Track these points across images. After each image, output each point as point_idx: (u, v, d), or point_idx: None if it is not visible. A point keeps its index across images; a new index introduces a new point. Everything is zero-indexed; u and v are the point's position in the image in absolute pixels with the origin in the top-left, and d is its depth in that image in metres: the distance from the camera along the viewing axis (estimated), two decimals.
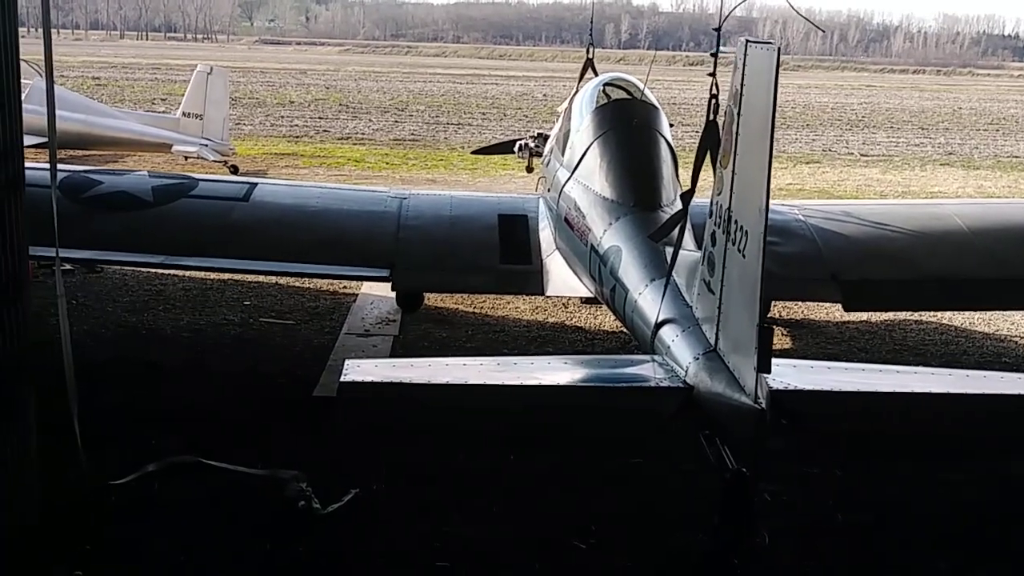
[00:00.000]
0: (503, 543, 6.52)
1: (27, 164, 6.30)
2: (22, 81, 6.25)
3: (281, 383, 9.25)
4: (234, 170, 21.48)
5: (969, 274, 8.82)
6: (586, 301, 10.66)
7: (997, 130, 42.43)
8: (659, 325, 6.19)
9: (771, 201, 5.04)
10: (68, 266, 11.31)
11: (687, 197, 6.64)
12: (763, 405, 4.98)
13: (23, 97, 6.35)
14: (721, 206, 5.50)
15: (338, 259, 8.86)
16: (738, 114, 5.31)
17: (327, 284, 12.23)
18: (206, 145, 21.64)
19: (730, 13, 6.46)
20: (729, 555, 5.49)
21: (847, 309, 9.02)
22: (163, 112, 27.80)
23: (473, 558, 6.35)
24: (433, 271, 8.94)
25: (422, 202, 9.65)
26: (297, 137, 30.53)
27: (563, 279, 8.61)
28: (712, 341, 5.59)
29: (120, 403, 8.39)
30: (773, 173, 5.06)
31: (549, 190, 9.44)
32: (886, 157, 31.15)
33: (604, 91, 9.38)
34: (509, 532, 6.65)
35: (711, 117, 6.15)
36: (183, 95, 23.13)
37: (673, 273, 6.39)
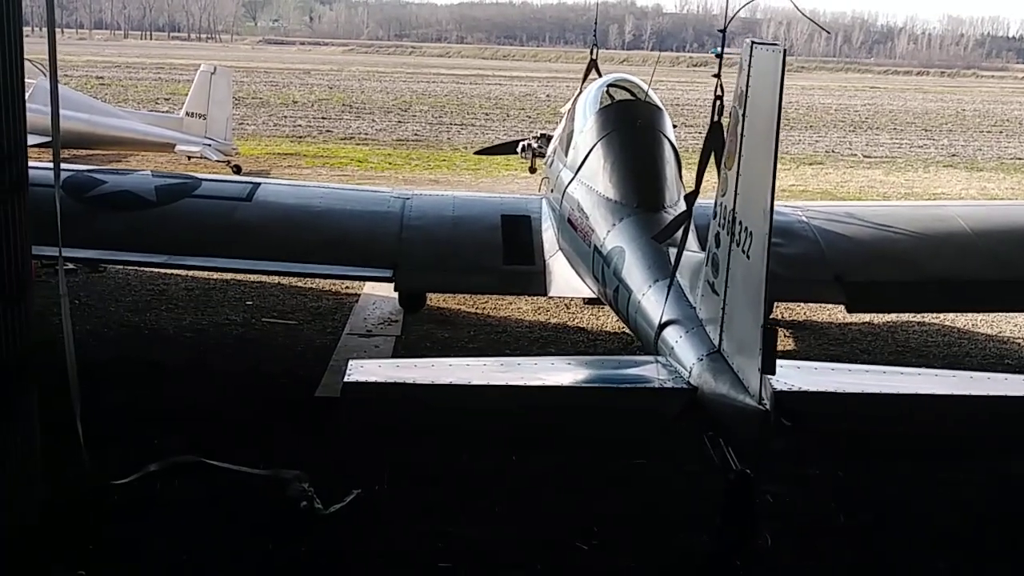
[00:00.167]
0: (506, 544, 6.52)
1: (31, 163, 6.30)
2: (27, 81, 6.25)
3: (283, 383, 9.25)
4: (237, 170, 21.49)
5: (972, 276, 8.81)
6: (589, 302, 10.67)
7: (1001, 132, 42.41)
8: (663, 326, 6.18)
9: (775, 202, 5.03)
10: (71, 265, 11.32)
11: (691, 198, 6.63)
12: (767, 406, 4.97)
13: (27, 96, 6.36)
14: (725, 207, 5.49)
15: (341, 259, 8.86)
16: (743, 115, 5.30)
17: (330, 284, 12.23)
18: (209, 145, 21.66)
19: (735, 15, 6.44)
20: (732, 556, 5.48)
21: (850, 310, 9.01)
22: (167, 112, 27.82)
23: (475, 559, 6.35)
24: (436, 271, 8.93)
25: (425, 202, 9.65)
26: (300, 137, 30.55)
27: (566, 280, 8.60)
28: (716, 342, 5.58)
29: (122, 403, 8.39)
30: (776, 174, 5.04)
31: (552, 191, 9.43)
32: (889, 159, 31.14)
33: (608, 92, 9.36)
34: (512, 533, 6.65)
35: (716, 118, 6.14)
36: (187, 95, 23.14)
37: (677, 274, 6.37)
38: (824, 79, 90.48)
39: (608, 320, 11.27)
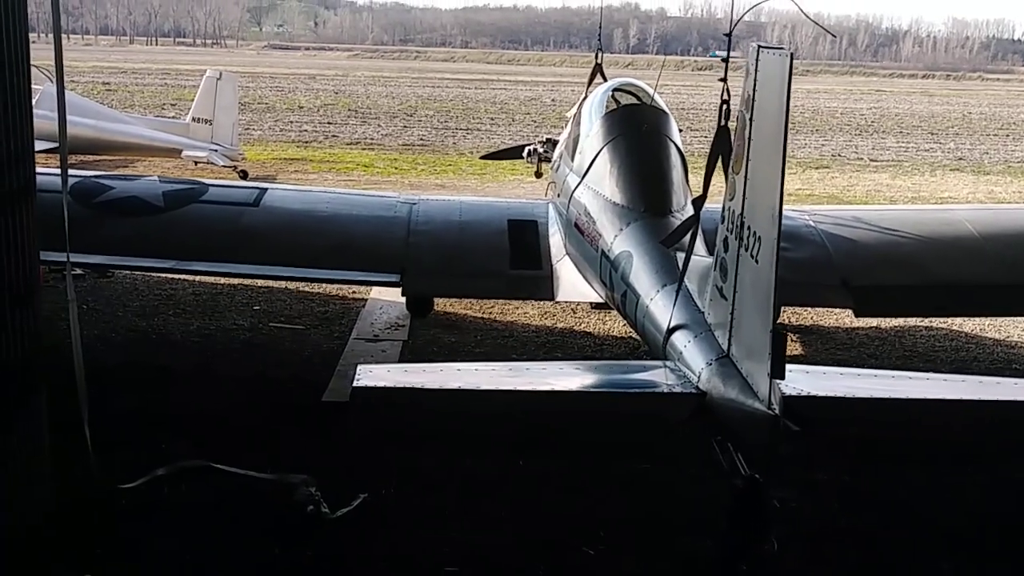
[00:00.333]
0: (511, 548, 6.51)
1: (38, 169, 6.32)
2: (33, 87, 6.26)
3: (290, 388, 9.25)
4: (243, 175, 21.51)
5: (980, 280, 8.80)
6: (596, 306, 10.68)
7: (1007, 135, 42.35)
8: (671, 331, 6.18)
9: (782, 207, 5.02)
10: (79, 271, 11.33)
11: (699, 202, 6.63)
12: (777, 411, 4.96)
13: (34, 102, 6.37)
14: (733, 211, 5.49)
15: (348, 264, 8.87)
16: (750, 119, 5.30)
17: (336, 289, 12.26)
18: (216, 150, 21.69)
19: (740, 19, 6.44)
20: (738, 561, 5.47)
21: (858, 315, 8.99)
22: (173, 117, 27.86)
23: (481, 563, 6.35)
24: (443, 276, 8.95)
25: (432, 207, 9.66)
26: (306, 142, 30.60)
27: (573, 284, 8.61)
28: (725, 347, 5.58)
29: (130, 407, 8.40)
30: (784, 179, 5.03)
31: (559, 195, 9.43)
32: (896, 162, 31.10)
33: (613, 96, 9.38)
34: (517, 537, 6.65)
35: (723, 122, 6.14)
36: (192, 100, 23.19)
37: (685, 279, 6.37)
38: (829, 82, 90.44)
39: (615, 324, 11.27)
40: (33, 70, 6.28)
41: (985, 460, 8.01)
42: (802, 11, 6.45)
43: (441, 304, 11.35)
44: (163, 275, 12.09)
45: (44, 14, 67.77)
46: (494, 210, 9.91)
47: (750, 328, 5.26)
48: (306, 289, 12.40)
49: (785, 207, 5.43)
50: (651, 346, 6.60)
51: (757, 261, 5.16)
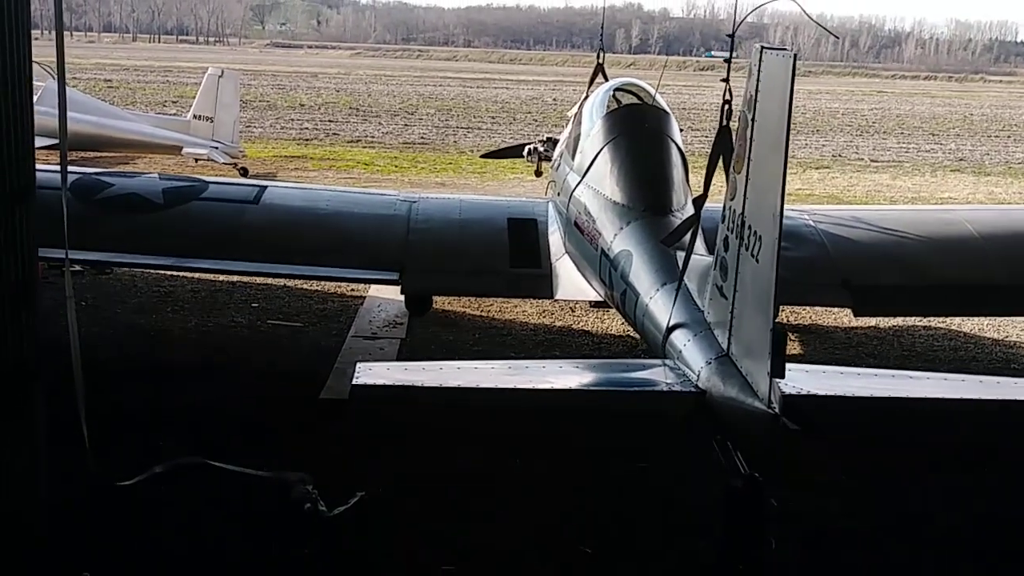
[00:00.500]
0: (508, 547, 6.50)
1: (39, 166, 6.30)
2: (35, 83, 6.24)
3: (288, 385, 9.23)
4: (244, 172, 21.52)
5: (979, 280, 8.80)
6: (595, 305, 10.67)
7: (1009, 136, 42.37)
8: (671, 329, 6.17)
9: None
10: (78, 267, 11.32)
11: (699, 202, 6.62)
12: (776, 410, 4.95)
13: (37, 99, 6.36)
14: (734, 211, 5.48)
15: (348, 262, 8.87)
16: (752, 120, 5.29)
17: (335, 287, 12.25)
18: (216, 147, 21.70)
19: (743, 20, 6.44)
20: (736, 561, 5.46)
21: (857, 314, 8.99)
22: (174, 115, 27.88)
23: (478, 562, 6.34)
24: (442, 274, 8.94)
25: (431, 205, 9.66)
26: (307, 140, 30.61)
27: (572, 282, 8.60)
28: (724, 346, 5.57)
29: (128, 404, 8.40)
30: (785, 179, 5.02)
31: (559, 194, 9.43)
32: (896, 163, 31.10)
33: (615, 96, 9.37)
34: (515, 536, 6.63)
35: (724, 122, 6.13)
36: (194, 98, 23.19)
37: (684, 278, 6.36)
38: (831, 83, 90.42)
39: (613, 323, 11.26)
40: (35, 67, 6.27)
41: (987, 461, 7.99)
42: (805, 12, 6.45)
43: (440, 302, 11.34)
44: (162, 272, 12.07)
45: (47, 11, 67.82)
46: (494, 208, 9.91)
47: (750, 327, 5.26)
48: (305, 287, 12.40)
49: (785, 207, 5.42)
50: (650, 345, 6.60)
51: (758, 260, 5.15)
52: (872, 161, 31.39)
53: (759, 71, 5.21)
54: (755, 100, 5.27)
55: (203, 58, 75.43)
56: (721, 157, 6.11)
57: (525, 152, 13.10)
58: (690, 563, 6.37)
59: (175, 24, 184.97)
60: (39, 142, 6.43)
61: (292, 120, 36.07)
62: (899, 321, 11.88)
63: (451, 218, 9.47)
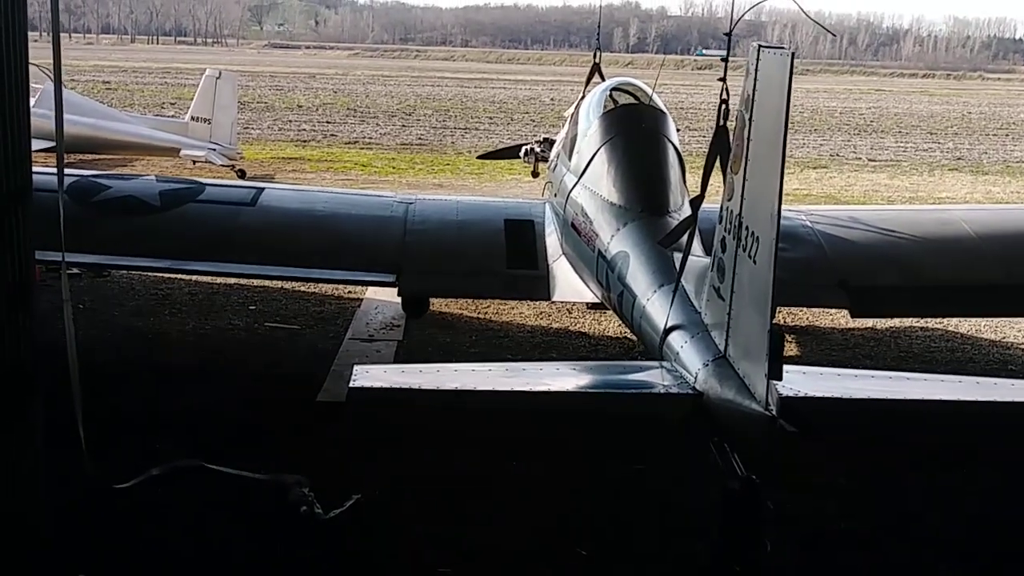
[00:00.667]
0: (504, 549, 6.50)
1: (36, 169, 6.30)
2: (33, 85, 6.24)
3: (285, 388, 9.23)
4: (241, 174, 21.52)
5: (976, 280, 8.79)
6: (592, 306, 10.66)
7: (1007, 135, 42.35)
8: (668, 331, 6.16)
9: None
10: (76, 270, 11.32)
11: (697, 203, 6.61)
12: (773, 412, 4.94)
13: (34, 101, 6.36)
14: (732, 212, 5.47)
15: (345, 264, 8.86)
16: (750, 119, 5.28)
17: (333, 289, 12.25)
18: (214, 149, 21.69)
19: (740, 18, 6.43)
20: (732, 562, 5.45)
21: (854, 315, 8.98)
22: (172, 116, 27.86)
23: (475, 564, 6.33)
24: (439, 276, 8.93)
25: (428, 207, 9.65)
26: (304, 141, 30.61)
27: (569, 284, 8.59)
28: (721, 347, 5.56)
29: (125, 407, 8.39)
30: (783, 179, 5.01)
31: (556, 195, 9.42)
32: (894, 162, 31.10)
33: (611, 96, 9.36)
34: (511, 538, 6.63)
35: (721, 122, 6.12)
36: (192, 99, 23.18)
37: (682, 279, 6.35)
38: (829, 82, 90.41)
39: (610, 324, 11.26)
40: (33, 69, 6.26)
41: (984, 462, 7.99)
42: (802, 10, 6.44)
43: (437, 304, 11.33)
44: (159, 275, 12.08)
45: (46, 13, 67.78)
46: (491, 210, 9.90)
47: (747, 328, 5.25)
48: (302, 289, 12.39)
49: (782, 207, 5.42)
50: (647, 346, 6.59)
51: (755, 262, 5.14)
52: (870, 160, 31.39)
53: (756, 70, 5.20)
54: (752, 99, 5.26)
55: (201, 59, 75.45)
56: (718, 157, 6.10)
57: (522, 153, 13.09)
58: (687, 565, 6.36)
59: (173, 25, 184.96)
60: (37, 144, 6.43)
61: (290, 121, 36.07)
62: (896, 322, 11.87)
63: (448, 220, 9.47)
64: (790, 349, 10.85)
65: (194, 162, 21.69)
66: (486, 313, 11.84)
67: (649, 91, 9.23)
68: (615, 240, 7.50)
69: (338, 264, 8.86)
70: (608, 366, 7.94)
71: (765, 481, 5.37)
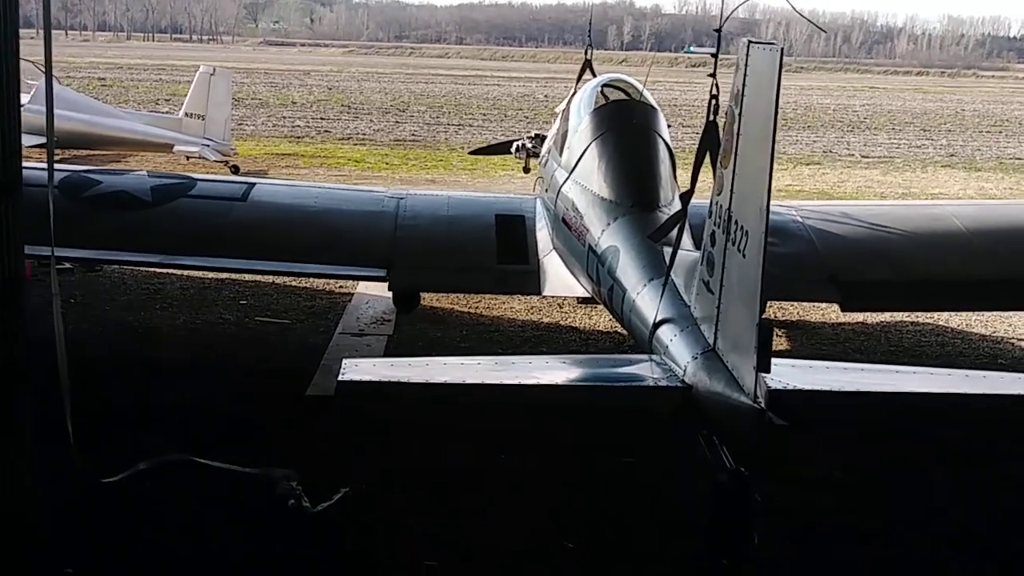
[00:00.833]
0: (492, 543, 6.50)
1: (26, 164, 6.29)
2: (29, 81, 6.23)
3: (275, 382, 9.23)
4: (235, 170, 21.52)
5: (967, 275, 8.80)
6: (583, 301, 10.65)
7: (1000, 132, 42.42)
8: (657, 325, 6.18)
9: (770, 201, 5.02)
10: (67, 265, 11.32)
11: (686, 197, 6.63)
12: (762, 405, 4.96)
13: (29, 97, 6.37)
14: (721, 206, 5.48)
15: (336, 259, 8.86)
16: (739, 114, 5.29)
17: (323, 284, 12.23)
18: (208, 145, 21.70)
19: (731, 14, 6.44)
20: (721, 556, 5.46)
21: (844, 310, 9.01)
22: (167, 113, 27.85)
23: (461, 557, 6.34)
24: (430, 271, 8.93)
25: (419, 202, 9.65)
26: (298, 137, 30.60)
27: (560, 279, 8.60)
28: (711, 341, 5.57)
29: (115, 401, 8.39)
30: (773, 175, 5.03)
31: (547, 190, 9.43)
32: (887, 159, 31.14)
33: (602, 92, 9.37)
34: (498, 532, 6.64)
35: (711, 117, 6.14)
36: (187, 96, 23.17)
37: (671, 273, 6.36)
38: (823, 79, 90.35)
39: (601, 319, 11.27)
40: (29, 65, 6.25)
41: (976, 457, 8.01)
42: (794, 8, 6.46)
43: (428, 299, 11.32)
44: (151, 270, 12.08)
45: (41, 10, 67.63)
46: (482, 205, 9.91)
47: (736, 322, 5.26)
48: (293, 284, 12.40)
49: (773, 202, 5.43)
50: (637, 340, 6.60)
51: (744, 255, 5.16)
52: (863, 157, 31.43)
53: (746, 66, 5.21)
54: (742, 95, 5.27)
55: (196, 56, 75.27)
56: (708, 152, 6.12)
57: (513, 148, 13.10)
58: (678, 558, 6.36)
59: (169, 23, 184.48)
60: (31, 140, 6.44)
61: (284, 118, 36.03)
62: (887, 317, 11.89)
63: (439, 215, 9.47)
64: (780, 343, 10.87)
65: (188, 158, 21.69)
66: (477, 308, 11.85)
67: (640, 87, 9.25)
68: (605, 235, 7.50)
69: (329, 259, 8.85)
70: (598, 359, 7.98)
71: (754, 474, 5.37)
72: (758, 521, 5.43)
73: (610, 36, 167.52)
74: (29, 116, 6.22)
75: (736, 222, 5.29)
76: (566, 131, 9.24)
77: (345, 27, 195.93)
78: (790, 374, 5.45)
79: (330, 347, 10.24)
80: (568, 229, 8.32)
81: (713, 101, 6.17)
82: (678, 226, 6.65)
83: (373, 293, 11.69)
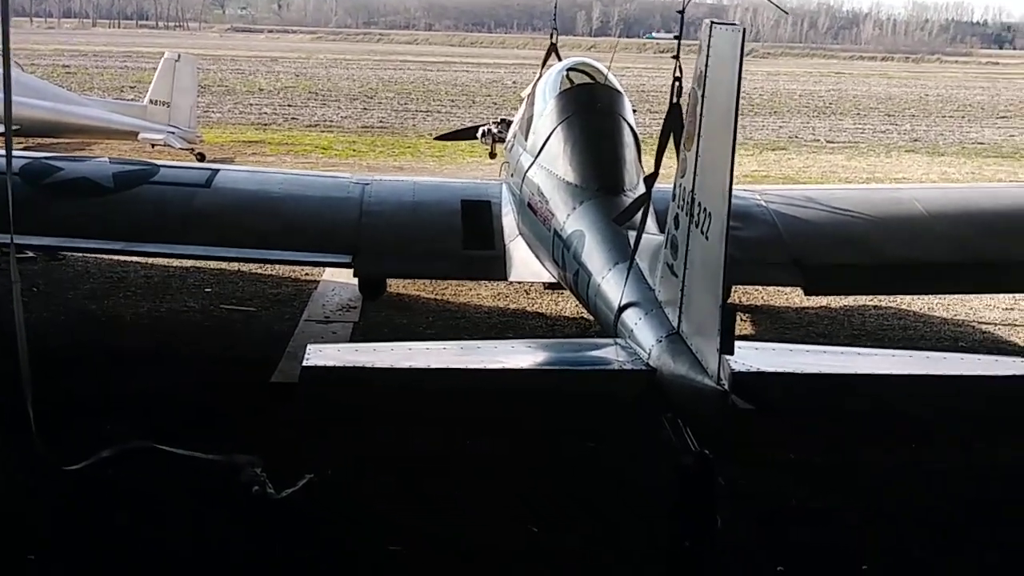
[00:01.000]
0: (455, 527, 6.51)
1: None
2: None
3: (240, 370, 9.17)
4: (201, 158, 21.34)
5: (929, 258, 8.86)
6: (549, 287, 10.65)
7: (963, 117, 42.77)
8: (622, 308, 6.17)
9: (734, 186, 5.02)
10: (30, 253, 11.21)
11: (650, 180, 6.63)
12: (726, 387, 4.97)
13: None
14: (685, 188, 5.48)
15: (300, 245, 8.81)
16: (702, 96, 5.29)
17: (289, 271, 12.16)
18: (173, 132, 21.50)
19: None
20: (684, 538, 5.48)
21: (808, 293, 9.05)
22: (132, 100, 27.60)
23: (424, 542, 6.33)
24: (396, 257, 8.88)
25: (384, 188, 9.60)
26: (265, 125, 30.42)
27: (526, 264, 8.58)
28: (675, 324, 5.57)
29: (78, 390, 8.32)
30: (739, 160, 5.03)
31: (512, 175, 9.40)
32: (852, 144, 31.32)
33: (567, 76, 9.33)
34: (462, 516, 6.64)
35: (674, 100, 6.14)
36: (151, 83, 22.97)
37: (636, 257, 6.36)
38: (790, 65, 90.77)
39: (567, 305, 11.28)
40: None
41: (936, 439, 8.07)
42: None
43: (394, 286, 11.26)
44: (114, 258, 11.98)
45: None
46: (447, 191, 9.87)
47: (700, 305, 5.26)
48: (258, 271, 12.33)
49: (737, 187, 5.45)
50: (603, 324, 6.59)
51: (707, 238, 5.16)
52: (828, 142, 31.60)
53: (708, 47, 5.21)
54: (705, 76, 5.27)
55: (162, 43, 74.39)
56: (672, 135, 6.11)
57: (479, 134, 13.04)
58: (638, 540, 6.38)
59: (135, 9, 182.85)
60: None
61: (251, 105, 35.81)
62: (850, 300, 11.96)
63: (404, 200, 9.43)
64: (745, 328, 10.91)
65: (153, 145, 21.48)
66: (443, 294, 11.82)
67: (605, 71, 9.23)
68: (571, 219, 7.49)
69: (294, 245, 8.79)
70: (563, 344, 7.97)
71: (718, 457, 5.39)
72: (722, 504, 5.45)
73: (579, 22, 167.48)
74: None
75: (699, 204, 5.29)
76: (531, 116, 9.21)
77: (313, 14, 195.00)
78: (753, 356, 5.46)
79: (295, 334, 10.19)
80: (534, 214, 8.30)
81: (676, 83, 6.18)
82: (642, 209, 6.65)
83: (339, 280, 11.63)
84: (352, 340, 10.07)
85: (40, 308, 10.42)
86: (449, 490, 6.97)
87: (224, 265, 12.17)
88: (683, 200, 5.50)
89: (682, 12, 6.28)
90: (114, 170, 9.30)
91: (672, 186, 5.71)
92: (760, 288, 12.02)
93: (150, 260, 11.93)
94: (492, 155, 12.77)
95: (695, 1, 6.26)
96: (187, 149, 21.55)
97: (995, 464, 7.85)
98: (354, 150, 25.42)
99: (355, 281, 9.78)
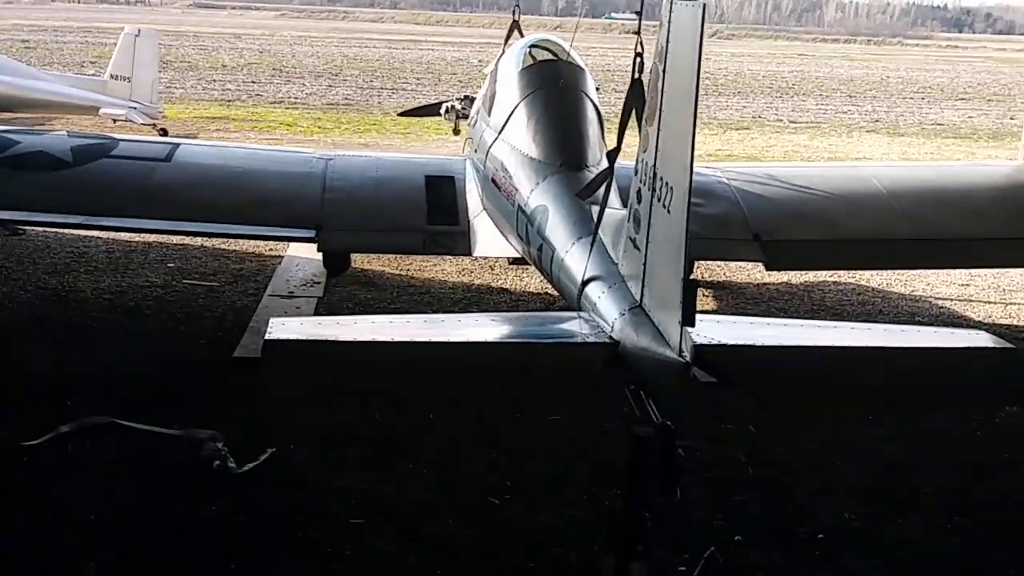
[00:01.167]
0: (419, 501, 6.54)
1: None
2: None
3: (202, 344, 9.16)
4: (163, 133, 21.13)
5: (887, 234, 8.96)
6: (514, 262, 10.66)
7: (923, 98, 43.16)
8: (586, 283, 6.19)
9: (695, 164, 5.05)
10: None
11: (612, 155, 6.65)
12: (687, 358, 5.01)
13: None
14: (646, 163, 5.50)
15: (263, 220, 8.75)
16: (663, 71, 5.30)
17: (253, 246, 12.12)
18: (135, 108, 21.29)
19: None
20: (644, 509, 5.53)
21: (769, 268, 9.11)
22: (92, 75, 27.29)
23: (387, 515, 6.35)
24: (359, 232, 8.86)
25: (348, 163, 9.56)
26: (229, 101, 30.21)
27: (490, 239, 8.59)
28: (638, 297, 5.61)
29: (38, 365, 8.28)
30: (703, 139, 5.06)
31: (476, 151, 9.40)
32: (814, 124, 31.53)
33: (530, 52, 9.33)
34: (426, 490, 6.68)
35: (636, 75, 6.15)
36: (112, 58, 22.74)
37: (599, 231, 6.39)
38: (754, 46, 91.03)
39: (531, 280, 11.31)
40: None
41: (890, 411, 8.17)
42: None
43: (359, 261, 11.27)
44: (76, 232, 11.87)
45: None
46: (411, 166, 9.86)
47: (662, 278, 5.29)
48: (222, 246, 12.27)
49: (699, 164, 5.47)
50: (567, 299, 6.61)
51: (669, 211, 5.18)
52: (791, 122, 31.80)
53: (669, 22, 5.22)
54: (666, 51, 5.29)
55: (123, 19, 73.10)
56: (634, 110, 6.14)
57: (443, 110, 12.99)
58: (599, 512, 6.44)
59: None
60: None
61: (214, 81, 35.52)
62: (810, 276, 12.08)
63: (367, 176, 9.40)
64: (706, 303, 10.98)
65: (114, 121, 21.24)
66: (408, 270, 11.82)
67: (567, 47, 9.23)
68: (534, 194, 7.50)
69: (257, 220, 8.73)
70: (527, 317, 7.99)
71: (679, 428, 5.44)
72: (681, 475, 5.51)
73: (544, 2, 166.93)
74: None
75: (661, 178, 5.31)
76: (494, 92, 9.20)
77: None
78: (715, 329, 5.50)
79: (259, 309, 10.16)
80: (497, 189, 8.31)
81: (638, 59, 6.19)
82: (605, 184, 6.68)
83: (303, 256, 11.61)
84: (316, 315, 10.04)
85: None
86: (413, 463, 6.99)
87: (187, 240, 12.11)
88: (645, 175, 5.52)
89: None
90: (73, 143, 9.20)
91: (634, 161, 5.74)
92: (722, 264, 12.12)
93: (111, 235, 11.85)
94: (456, 131, 12.74)
95: None
96: (149, 124, 21.34)
97: (949, 434, 7.99)
98: (319, 127, 25.30)
99: (319, 256, 9.76)
